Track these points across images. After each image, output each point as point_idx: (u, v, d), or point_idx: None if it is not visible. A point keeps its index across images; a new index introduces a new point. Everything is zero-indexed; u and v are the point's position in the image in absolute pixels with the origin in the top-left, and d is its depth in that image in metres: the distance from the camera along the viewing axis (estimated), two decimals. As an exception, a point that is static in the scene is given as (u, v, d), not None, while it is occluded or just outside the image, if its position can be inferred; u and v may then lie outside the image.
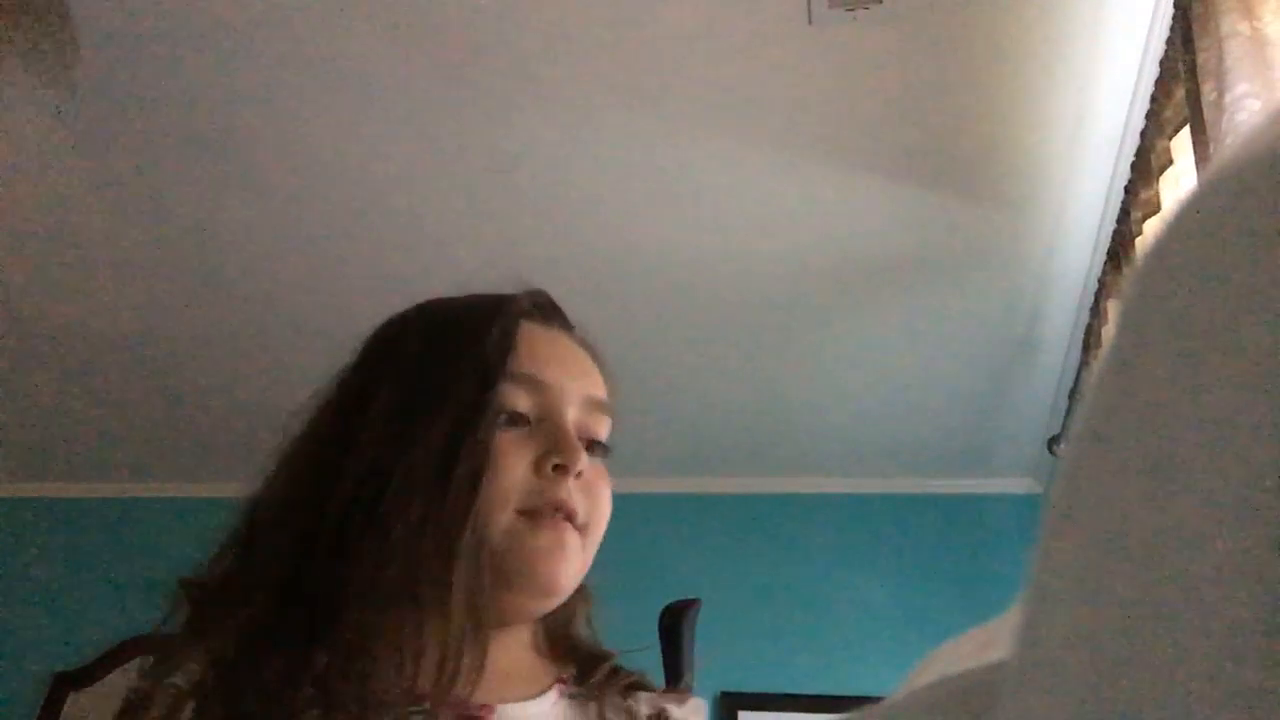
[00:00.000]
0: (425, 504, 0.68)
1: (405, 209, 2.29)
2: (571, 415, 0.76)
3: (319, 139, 2.14)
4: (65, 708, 2.89)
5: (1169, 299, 0.16)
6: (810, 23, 1.83)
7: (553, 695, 0.74)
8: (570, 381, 0.78)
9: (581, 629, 0.80)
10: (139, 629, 2.98)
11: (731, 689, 2.85)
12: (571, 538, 0.73)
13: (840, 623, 2.99)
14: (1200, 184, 0.17)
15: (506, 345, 0.75)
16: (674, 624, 1.43)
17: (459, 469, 0.69)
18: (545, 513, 0.72)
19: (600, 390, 0.80)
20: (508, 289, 0.82)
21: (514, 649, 0.76)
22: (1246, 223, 0.15)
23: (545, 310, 0.82)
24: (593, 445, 0.77)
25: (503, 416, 0.73)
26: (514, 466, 0.72)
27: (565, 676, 0.77)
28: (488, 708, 0.69)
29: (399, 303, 0.84)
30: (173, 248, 2.44)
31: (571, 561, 0.73)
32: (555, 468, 0.73)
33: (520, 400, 0.74)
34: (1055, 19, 1.79)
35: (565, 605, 0.77)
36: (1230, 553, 0.14)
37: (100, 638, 2.98)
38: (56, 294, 2.59)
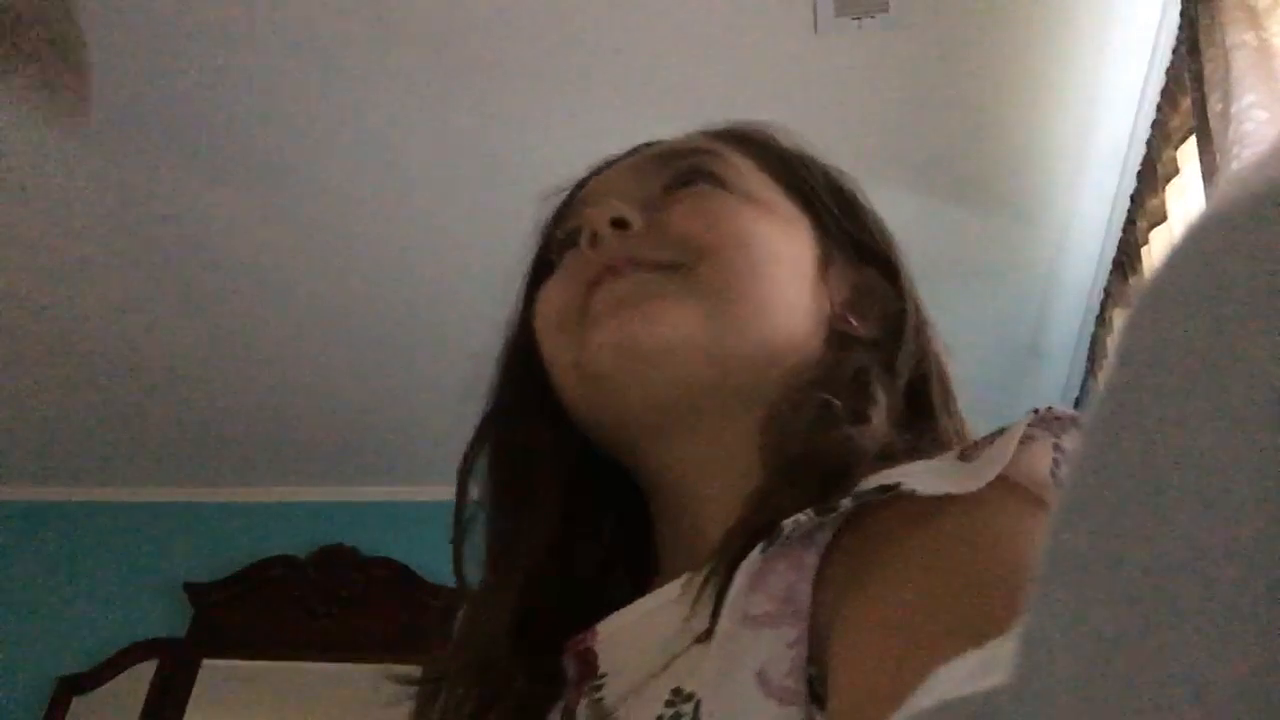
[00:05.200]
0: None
1: (410, 209, 2.29)
2: (633, 181, 0.63)
3: (326, 141, 2.14)
4: (70, 712, 2.89)
5: (1166, 334, 0.16)
6: (816, 31, 1.83)
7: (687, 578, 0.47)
8: (613, 172, 0.66)
9: (810, 432, 0.50)
10: (144, 633, 2.99)
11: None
12: (647, 282, 0.55)
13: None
14: (1201, 217, 0.17)
15: (560, 209, 0.67)
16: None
17: (512, 355, 0.64)
18: (594, 287, 0.56)
19: (668, 146, 0.65)
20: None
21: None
22: (1247, 261, 0.15)
23: (613, 161, 0.71)
24: (689, 181, 0.60)
25: (558, 258, 0.62)
26: (547, 297, 0.60)
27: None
28: (589, 632, 0.51)
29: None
30: (173, 249, 2.44)
31: (660, 307, 0.53)
32: (589, 243, 0.58)
33: (565, 227, 0.64)
34: (1062, 28, 1.79)
35: (788, 403, 0.53)
36: (1226, 602, 0.14)
37: (105, 642, 2.99)
38: (55, 296, 2.60)
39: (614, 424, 0.57)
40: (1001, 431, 0.45)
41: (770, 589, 0.41)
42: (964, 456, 0.45)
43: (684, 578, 0.46)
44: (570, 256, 0.61)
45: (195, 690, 2.88)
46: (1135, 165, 1.93)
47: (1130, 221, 1.99)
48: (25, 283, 2.55)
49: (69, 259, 2.48)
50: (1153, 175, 1.79)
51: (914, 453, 0.48)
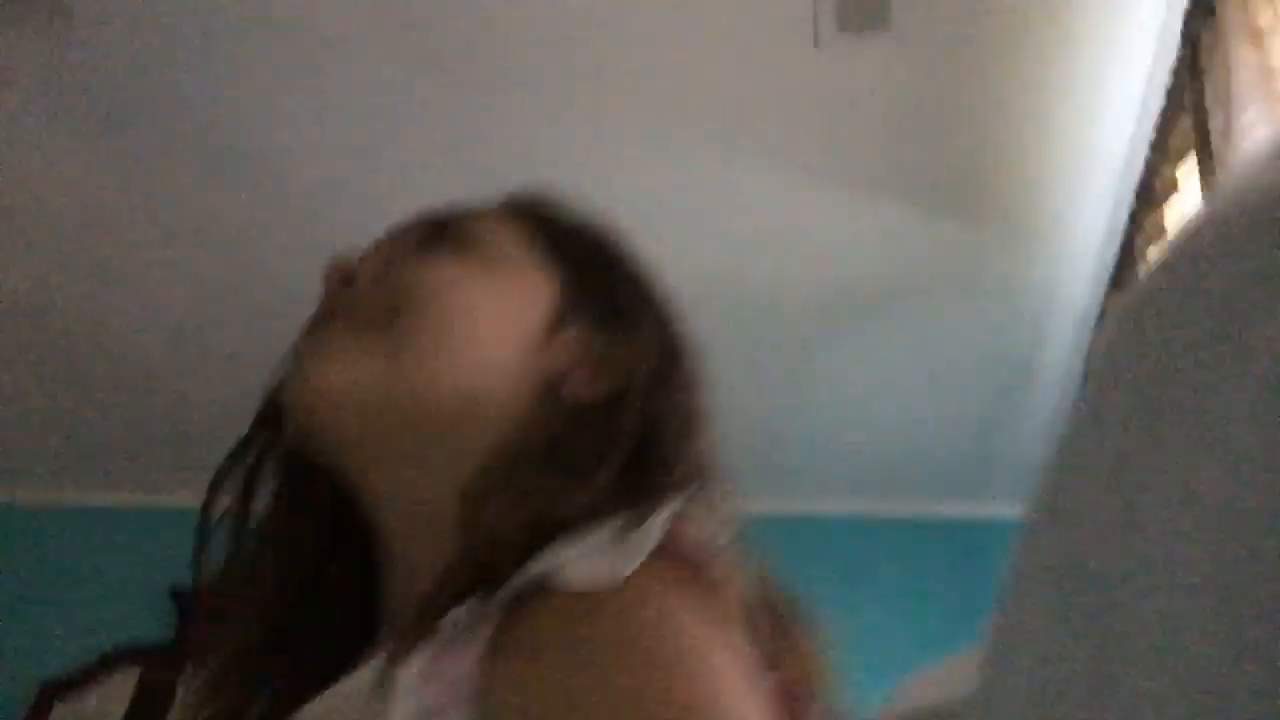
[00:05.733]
0: None
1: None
2: (386, 241, 0.67)
3: (327, 150, 2.14)
4: (51, 718, 2.86)
5: (1136, 361, 0.16)
6: (817, 45, 1.83)
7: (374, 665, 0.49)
8: (405, 226, 0.69)
9: (495, 520, 0.52)
10: (128, 639, 2.96)
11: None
12: (341, 333, 0.60)
13: (836, 645, 2.97)
14: (1173, 246, 0.17)
15: None
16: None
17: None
18: (311, 331, 0.63)
19: (448, 213, 0.68)
20: None
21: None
22: (1212, 293, 0.15)
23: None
24: (432, 246, 0.64)
25: None
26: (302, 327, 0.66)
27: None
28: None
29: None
30: (165, 251, 2.43)
31: (340, 358, 0.59)
32: (324, 294, 0.64)
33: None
34: (1062, 45, 1.80)
35: (486, 472, 0.55)
36: (1190, 628, 0.14)
37: (88, 648, 2.96)
38: (50, 298, 2.59)
39: (319, 456, 0.60)
40: (658, 504, 0.49)
41: (442, 681, 0.43)
42: (622, 529, 0.47)
43: (373, 664, 0.48)
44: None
45: (179, 697, 2.85)
46: (1134, 182, 1.93)
47: (1128, 238, 1.99)
48: (17, 284, 2.53)
49: (61, 261, 2.46)
50: (1151, 192, 1.80)
51: (616, 513, 0.50)
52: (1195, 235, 0.17)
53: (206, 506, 0.63)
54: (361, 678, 0.49)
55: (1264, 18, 1.30)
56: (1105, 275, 2.17)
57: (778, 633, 0.51)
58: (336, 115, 2.06)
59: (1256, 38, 1.28)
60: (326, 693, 0.52)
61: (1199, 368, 0.15)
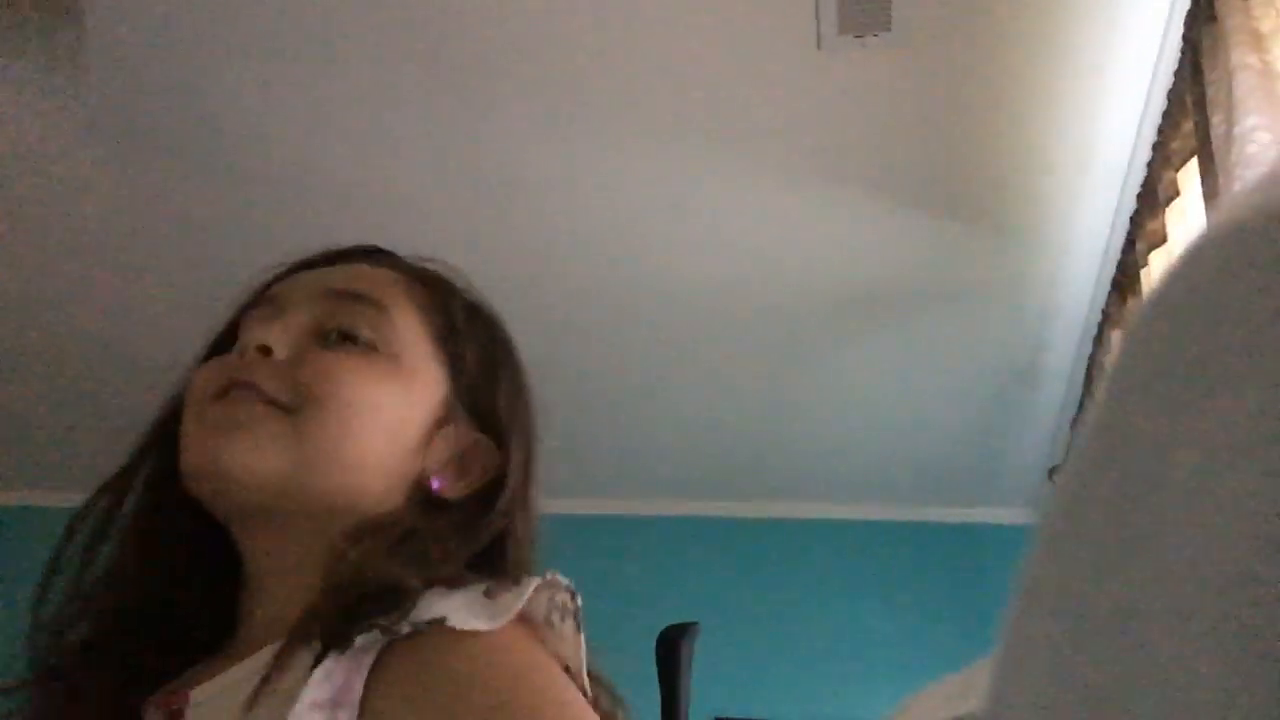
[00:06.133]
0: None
1: (411, 231, 2.29)
2: (307, 310, 0.70)
3: (329, 157, 2.14)
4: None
5: (1147, 374, 0.16)
6: (819, 49, 1.83)
7: (274, 648, 0.59)
8: (306, 286, 0.72)
9: (372, 568, 0.62)
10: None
11: (727, 715, 2.82)
12: (254, 413, 0.65)
13: (838, 649, 2.97)
14: (1182, 256, 0.17)
15: (261, 289, 0.74)
16: (672, 647, 1.42)
17: (165, 411, 0.72)
18: (222, 393, 0.66)
19: (352, 283, 0.72)
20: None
21: (273, 592, 0.65)
22: (1226, 303, 0.15)
23: (319, 258, 0.77)
24: (345, 338, 0.69)
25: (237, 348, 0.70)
26: (198, 377, 0.68)
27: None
28: (180, 695, 0.62)
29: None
30: (170, 255, 2.44)
31: (250, 440, 0.64)
32: (239, 353, 0.68)
33: (250, 321, 0.71)
34: (1063, 50, 1.80)
35: (348, 535, 0.64)
36: (1199, 638, 0.14)
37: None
38: (52, 298, 2.59)
39: (210, 509, 0.67)
40: (518, 581, 0.60)
41: (334, 683, 0.55)
42: (488, 593, 0.59)
43: (267, 655, 0.58)
44: (229, 354, 0.70)
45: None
46: (1135, 187, 1.93)
47: (1130, 243, 1.99)
48: (16, 284, 2.54)
49: (61, 263, 2.47)
50: (1153, 197, 1.80)
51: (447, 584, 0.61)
52: (1211, 243, 0.16)
53: (82, 516, 0.69)
54: (253, 666, 0.59)
55: (1265, 22, 1.30)
56: (1107, 280, 2.17)
57: (594, 701, 0.61)
58: (349, 126, 2.06)
59: (1257, 42, 1.28)
60: (222, 675, 0.61)
61: (1216, 380, 0.15)
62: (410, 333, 0.71)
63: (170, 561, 0.69)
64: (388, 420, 0.68)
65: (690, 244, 2.30)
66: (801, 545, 3.15)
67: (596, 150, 2.08)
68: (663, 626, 1.48)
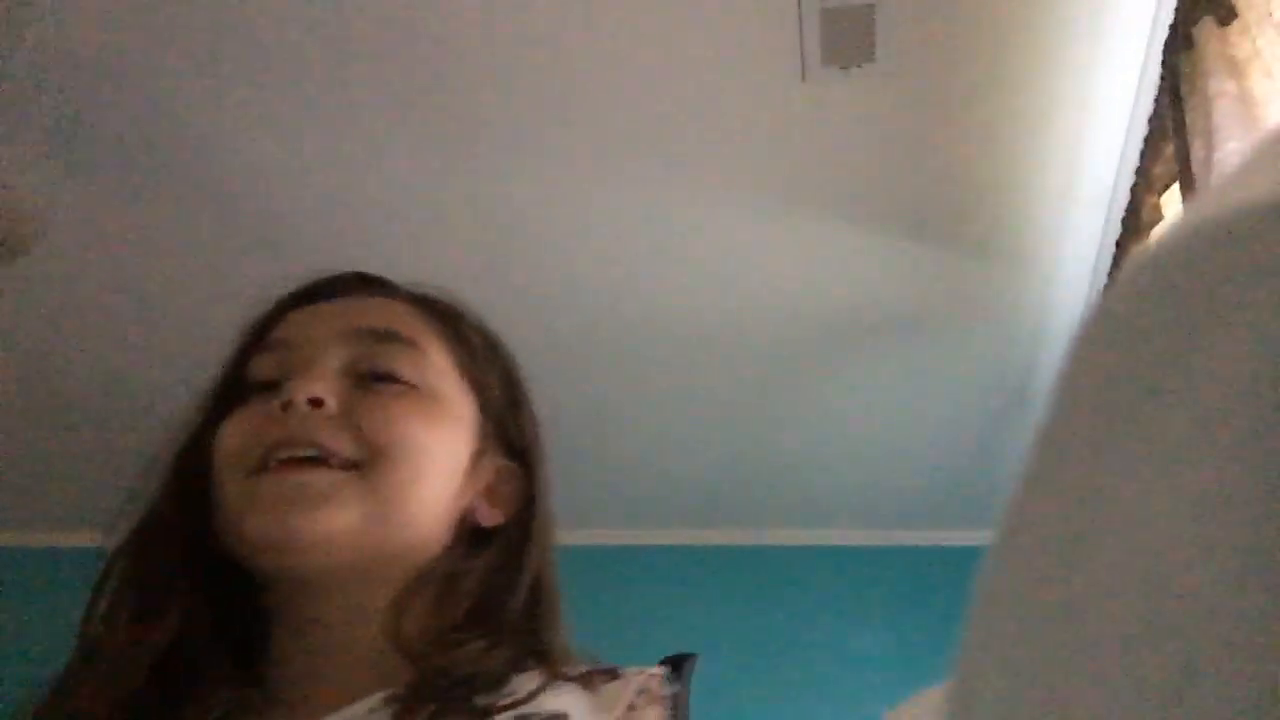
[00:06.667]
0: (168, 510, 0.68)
1: (406, 261, 2.29)
2: (335, 354, 0.67)
3: (322, 190, 2.15)
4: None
5: (1092, 374, 0.16)
6: (804, 79, 1.85)
7: (370, 703, 0.59)
8: (325, 324, 0.69)
9: (440, 623, 0.65)
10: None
11: (725, 746, 2.80)
12: (333, 480, 0.62)
13: (835, 676, 2.96)
14: (1128, 267, 0.17)
15: (260, 328, 0.71)
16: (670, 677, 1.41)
17: (182, 464, 0.69)
18: (266, 461, 0.62)
19: (378, 319, 0.70)
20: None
21: (336, 646, 0.64)
22: (1166, 307, 0.16)
23: (315, 291, 0.74)
24: (381, 378, 0.67)
25: (252, 392, 0.67)
26: (233, 433, 0.65)
27: (401, 685, 0.60)
28: None
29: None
30: (153, 290, 2.44)
31: (332, 510, 0.61)
32: (282, 406, 0.64)
33: (265, 367, 0.68)
34: (1046, 77, 1.82)
35: (410, 588, 0.64)
36: (1141, 642, 0.14)
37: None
38: (56, 335, 2.59)
39: (261, 574, 0.65)
40: (609, 670, 0.62)
41: None
42: (586, 685, 0.61)
43: (369, 706, 0.58)
44: (262, 401, 0.66)
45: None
46: (1119, 212, 1.95)
47: (1115, 267, 2.00)
48: (22, 325, 2.53)
49: (65, 304, 2.47)
50: (1136, 222, 1.81)
51: (537, 656, 0.62)
52: (1161, 250, 0.17)
53: (109, 569, 0.68)
54: (353, 715, 0.58)
55: (1241, 50, 1.32)
56: (1090, 307, 2.18)
57: None
58: (344, 165, 2.08)
59: (1234, 68, 1.30)
60: None
61: (1162, 384, 0.15)
62: (442, 366, 0.70)
63: (189, 615, 0.66)
64: (444, 460, 0.67)
65: (677, 274, 2.31)
66: (795, 572, 3.14)
67: (579, 182, 2.10)
68: (658, 658, 1.47)
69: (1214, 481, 0.14)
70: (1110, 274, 2.05)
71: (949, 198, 2.08)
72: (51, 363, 2.65)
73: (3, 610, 3.15)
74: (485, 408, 0.72)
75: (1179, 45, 1.48)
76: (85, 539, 3.29)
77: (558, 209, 2.16)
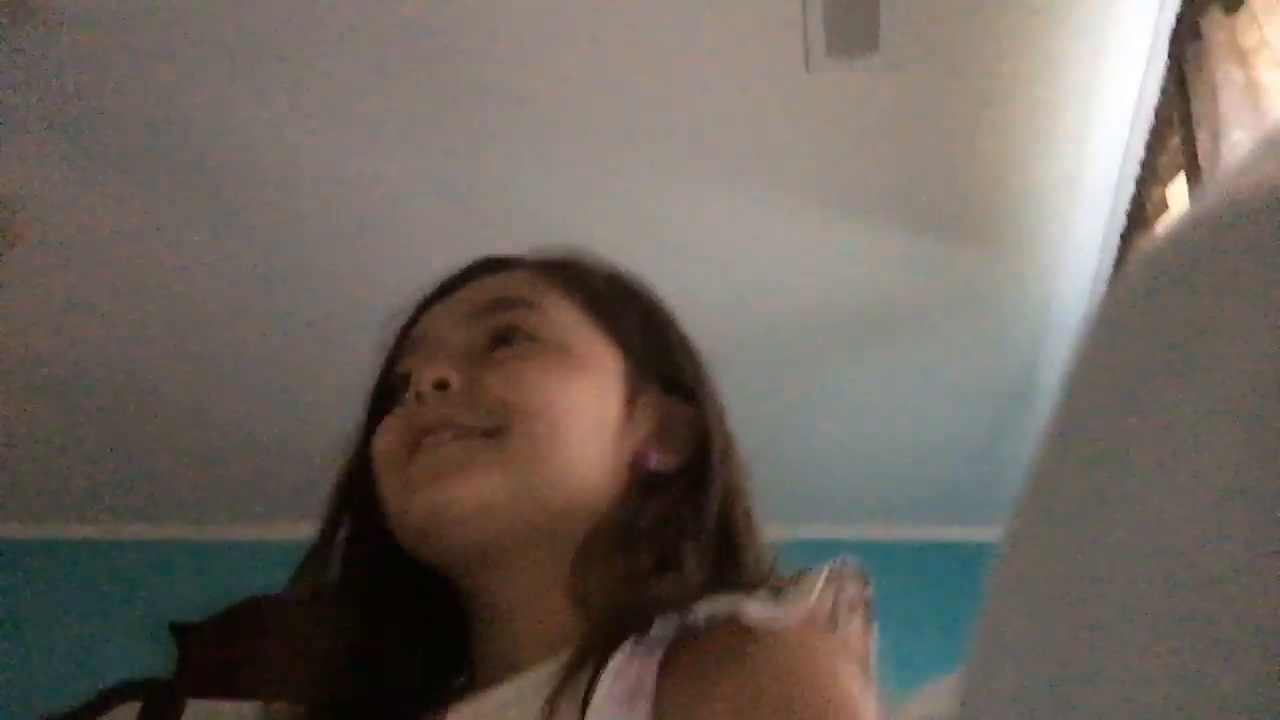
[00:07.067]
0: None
1: (408, 252, 2.29)
2: (458, 336, 0.67)
3: (323, 182, 2.15)
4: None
5: (1108, 357, 0.16)
6: (808, 70, 1.84)
7: (562, 658, 0.57)
8: (450, 312, 0.69)
9: (610, 579, 0.62)
10: (128, 673, 2.94)
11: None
12: (465, 449, 0.62)
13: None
14: (1131, 267, 0.17)
15: (402, 332, 0.72)
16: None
17: (343, 480, 0.70)
18: (416, 444, 0.63)
19: (493, 292, 0.70)
20: None
21: (527, 616, 0.63)
22: (1183, 287, 0.16)
23: (448, 285, 0.74)
24: (507, 339, 0.66)
25: (398, 394, 0.68)
26: (381, 436, 0.66)
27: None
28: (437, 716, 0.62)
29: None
30: (167, 287, 2.44)
31: (469, 477, 0.61)
32: (416, 398, 0.64)
33: (405, 366, 0.69)
34: (1052, 66, 1.81)
35: (587, 546, 0.63)
36: (1155, 627, 0.14)
37: (88, 682, 2.94)
38: (54, 327, 2.59)
39: (437, 562, 0.64)
40: (801, 574, 0.58)
41: (627, 678, 0.52)
42: (775, 594, 0.56)
43: (539, 673, 0.56)
44: (401, 403, 0.67)
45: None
46: (1125, 203, 1.94)
47: (1121, 260, 2.00)
48: (19, 317, 2.54)
49: (64, 295, 2.47)
50: (1142, 213, 1.80)
51: (728, 586, 0.58)
52: (1176, 238, 0.17)
53: (295, 584, 0.68)
54: (522, 685, 0.57)
55: (1249, 37, 1.31)
56: (1099, 296, 2.17)
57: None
58: (344, 155, 2.07)
59: (1241, 56, 1.29)
60: (486, 694, 0.59)
61: (1176, 371, 0.15)
62: (567, 318, 0.68)
63: (385, 623, 0.67)
64: (587, 410, 0.65)
65: (681, 266, 2.30)
66: (800, 567, 3.14)
67: (585, 173, 2.09)
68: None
69: (1229, 464, 0.14)
70: (1115, 266, 2.04)
71: (953, 188, 2.07)
72: (50, 354, 2.66)
73: None
74: (629, 351, 0.70)
75: (1185, 34, 1.47)
76: (89, 531, 3.30)
77: (559, 199, 2.16)
